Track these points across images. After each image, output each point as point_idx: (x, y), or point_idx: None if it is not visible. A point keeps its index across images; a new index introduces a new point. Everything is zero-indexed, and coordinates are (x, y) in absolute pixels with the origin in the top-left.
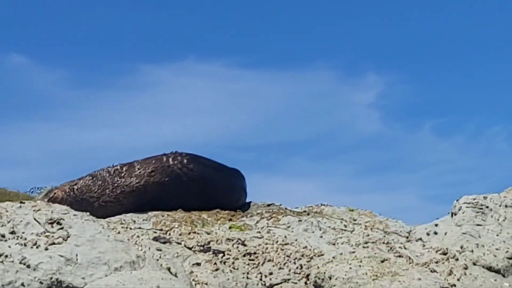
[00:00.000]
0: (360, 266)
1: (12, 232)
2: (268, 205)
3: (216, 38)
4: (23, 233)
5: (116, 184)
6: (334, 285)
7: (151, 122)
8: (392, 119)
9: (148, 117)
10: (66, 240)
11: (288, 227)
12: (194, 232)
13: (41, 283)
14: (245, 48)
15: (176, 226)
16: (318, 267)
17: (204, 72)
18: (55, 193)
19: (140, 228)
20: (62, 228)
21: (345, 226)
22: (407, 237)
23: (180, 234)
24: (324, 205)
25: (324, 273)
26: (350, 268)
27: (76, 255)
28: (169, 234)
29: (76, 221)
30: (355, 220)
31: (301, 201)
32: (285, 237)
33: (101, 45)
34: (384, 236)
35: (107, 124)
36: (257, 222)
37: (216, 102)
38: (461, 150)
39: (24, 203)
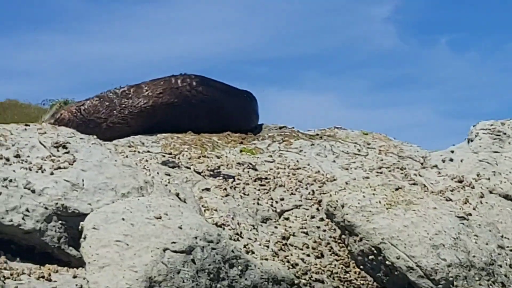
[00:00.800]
0: (373, 194)
1: (17, 156)
2: (280, 128)
3: None
4: (28, 157)
5: (123, 105)
6: (346, 214)
7: (164, 35)
8: (408, 33)
9: (161, 31)
10: (72, 164)
11: (300, 151)
12: (204, 156)
13: (46, 208)
14: None
15: (186, 149)
16: (330, 195)
17: None
18: (61, 114)
19: (148, 151)
20: (68, 152)
21: (359, 150)
22: (422, 163)
23: (189, 158)
24: (337, 128)
25: (337, 201)
26: (364, 196)
27: (82, 180)
28: (178, 158)
29: (82, 144)
30: (369, 144)
31: (315, 118)
32: (297, 161)
33: None
34: (399, 161)
35: (120, 37)
36: (268, 145)
37: (230, 16)
38: (476, 66)
39: (29, 125)
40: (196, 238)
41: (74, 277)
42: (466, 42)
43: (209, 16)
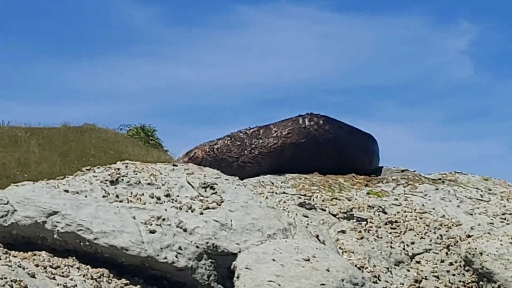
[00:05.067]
0: (511, 243)
1: (167, 195)
2: (402, 171)
3: None
4: (178, 196)
5: (254, 145)
6: (485, 261)
7: (243, 62)
8: (484, 66)
9: (240, 57)
10: (220, 205)
11: (425, 195)
12: (336, 198)
13: (197, 247)
14: None
15: (316, 190)
16: (469, 242)
17: (297, 14)
18: (195, 153)
19: (284, 193)
20: (215, 193)
21: (481, 196)
22: None
23: (323, 200)
24: (458, 172)
25: (475, 248)
26: (501, 244)
27: (231, 221)
28: (313, 200)
29: (228, 186)
30: (490, 190)
31: (387, 147)
32: (423, 205)
33: None
34: None
35: (200, 62)
36: (393, 188)
37: (307, 44)
38: None
39: (176, 165)
40: (343, 280)
41: None
42: None
43: (285, 43)
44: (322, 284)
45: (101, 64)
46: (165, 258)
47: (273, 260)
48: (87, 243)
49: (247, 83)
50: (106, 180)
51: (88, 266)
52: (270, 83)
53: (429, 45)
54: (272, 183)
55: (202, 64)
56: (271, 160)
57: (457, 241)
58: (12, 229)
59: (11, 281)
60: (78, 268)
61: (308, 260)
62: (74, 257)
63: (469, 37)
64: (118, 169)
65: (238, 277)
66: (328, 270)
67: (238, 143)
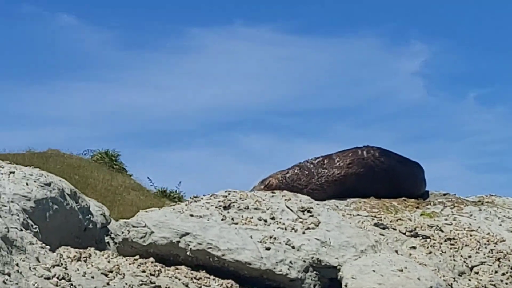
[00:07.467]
0: None
1: (272, 218)
2: (444, 194)
3: (263, 3)
4: (281, 218)
5: (320, 174)
6: None
7: (197, 85)
8: (436, 87)
9: (194, 81)
10: (317, 226)
11: (471, 215)
12: (400, 219)
13: (304, 261)
14: (291, 13)
15: (377, 212)
16: None
17: (251, 36)
18: (269, 181)
19: (358, 215)
20: (312, 215)
21: None
22: None
23: (390, 221)
24: (493, 195)
25: None
26: None
27: (329, 239)
28: (382, 220)
29: (322, 209)
30: None
31: None
32: (470, 224)
33: (149, 7)
34: None
35: (153, 86)
36: (441, 210)
37: (261, 67)
38: (504, 120)
39: (275, 193)
40: (431, 287)
41: None
42: (494, 96)
43: (240, 66)
44: None
45: (57, 89)
46: (280, 270)
47: (373, 271)
48: (216, 259)
49: (202, 107)
50: (219, 206)
51: (217, 278)
52: (224, 106)
53: (381, 67)
54: (337, 207)
55: (156, 88)
56: (335, 187)
57: (505, 255)
58: (149, 248)
59: None
60: (214, 279)
61: (402, 270)
62: (204, 271)
63: (421, 58)
64: (226, 196)
65: (346, 285)
66: (419, 279)
67: (306, 172)
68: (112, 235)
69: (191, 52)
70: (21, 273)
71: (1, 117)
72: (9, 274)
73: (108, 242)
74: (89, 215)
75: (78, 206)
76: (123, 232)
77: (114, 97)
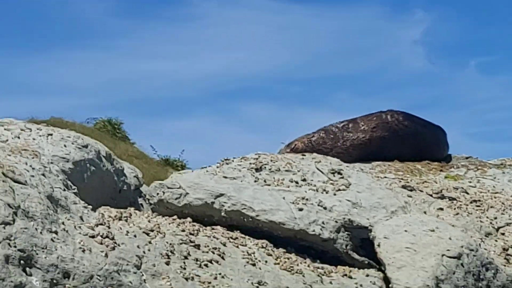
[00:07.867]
0: None
1: (304, 180)
2: (466, 158)
3: None
4: (312, 180)
5: (345, 138)
6: None
7: (199, 54)
8: (438, 56)
9: (196, 49)
10: (348, 187)
11: (494, 178)
12: (426, 181)
13: (336, 222)
14: None
15: (401, 175)
16: None
17: (253, 5)
18: (295, 144)
19: (386, 177)
20: (343, 177)
21: None
22: None
23: (417, 183)
24: None
25: None
26: None
27: (360, 200)
28: (409, 183)
29: (352, 171)
30: None
31: None
32: (494, 186)
33: None
34: None
35: (156, 54)
36: (465, 172)
37: (264, 35)
38: (506, 89)
39: (305, 155)
40: (462, 247)
41: (367, 275)
42: (495, 65)
43: (242, 34)
44: (448, 250)
45: (59, 58)
46: (313, 231)
47: (405, 231)
48: (250, 219)
49: (204, 75)
50: (251, 168)
51: (251, 238)
52: (227, 74)
53: (384, 35)
54: (362, 170)
55: (158, 57)
56: (360, 151)
57: None
58: (184, 209)
59: (213, 248)
60: (249, 239)
61: (433, 230)
62: (238, 231)
63: (423, 26)
64: (256, 158)
65: (379, 245)
66: (450, 239)
67: (332, 136)
68: (147, 197)
69: (194, 20)
70: (67, 231)
71: (4, 85)
72: (56, 232)
73: (141, 204)
74: (124, 177)
75: (113, 168)
76: (158, 193)
77: (116, 65)
